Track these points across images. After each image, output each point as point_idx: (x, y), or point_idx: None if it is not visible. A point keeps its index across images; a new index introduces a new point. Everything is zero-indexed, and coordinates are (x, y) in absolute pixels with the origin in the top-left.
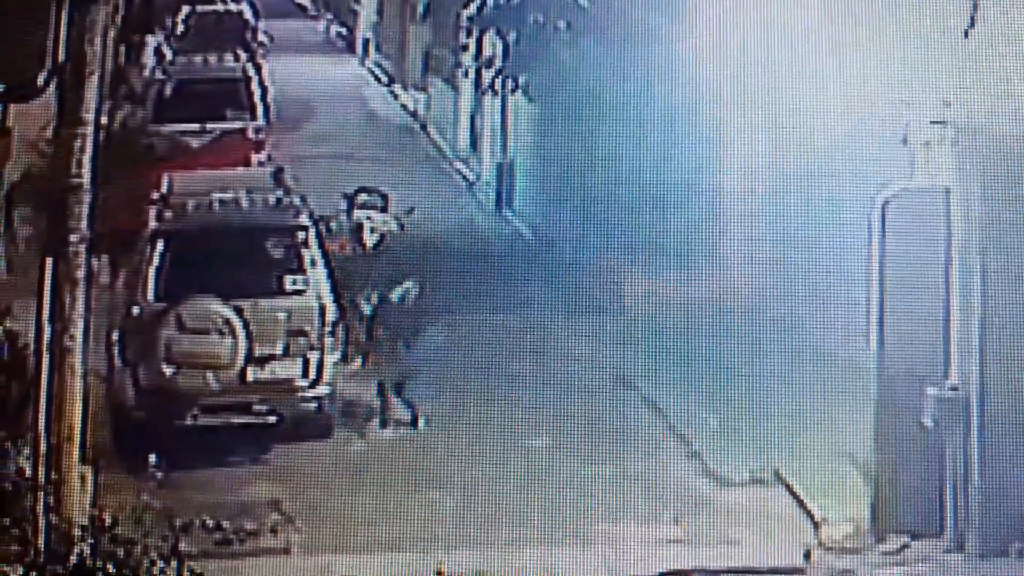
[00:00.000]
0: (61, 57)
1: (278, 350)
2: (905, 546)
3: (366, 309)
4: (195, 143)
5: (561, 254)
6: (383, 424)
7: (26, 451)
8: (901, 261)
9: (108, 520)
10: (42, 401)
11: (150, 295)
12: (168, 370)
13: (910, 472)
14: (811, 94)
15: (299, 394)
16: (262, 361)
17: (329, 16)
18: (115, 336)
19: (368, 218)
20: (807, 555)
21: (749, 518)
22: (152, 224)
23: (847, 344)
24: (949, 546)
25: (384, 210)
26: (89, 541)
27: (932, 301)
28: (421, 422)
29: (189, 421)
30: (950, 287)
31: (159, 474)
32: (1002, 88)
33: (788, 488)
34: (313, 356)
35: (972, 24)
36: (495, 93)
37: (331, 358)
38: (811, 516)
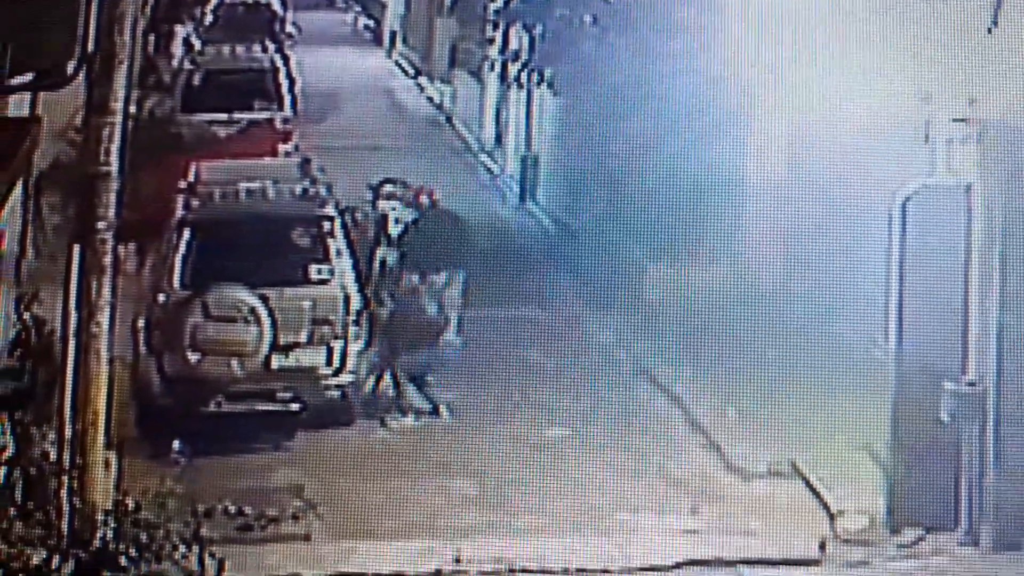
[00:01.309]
0: (91, 46)
1: (302, 338)
2: (920, 539)
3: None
4: (223, 133)
5: (583, 247)
6: (402, 413)
7: (51, 436)
8: (921, 257)
9: (131, 505)
10: (68, 387)
11: (176, 283)
12: (193, 357)
13: (926, 466)
14: (835, 90)
15: (323, 382)
16: (286, 349)
17: (357, 8)
18: (141, 323)
19: (393, 209)
20: (822, 546)
21: (766, 509)
22: (179, 212)
23: (866, 338)
24: (963, 539)
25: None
26: (112, 525)
27: (951, 297)
28: (444, 411)
29: (213, 408)
30: (969, 283)
31: (182, 460)
32: None
33: (805, 480)
34: (337, 345)
35: (995, 22)
36: (520, 86)
37: (355, 347)
38: (827, 508)
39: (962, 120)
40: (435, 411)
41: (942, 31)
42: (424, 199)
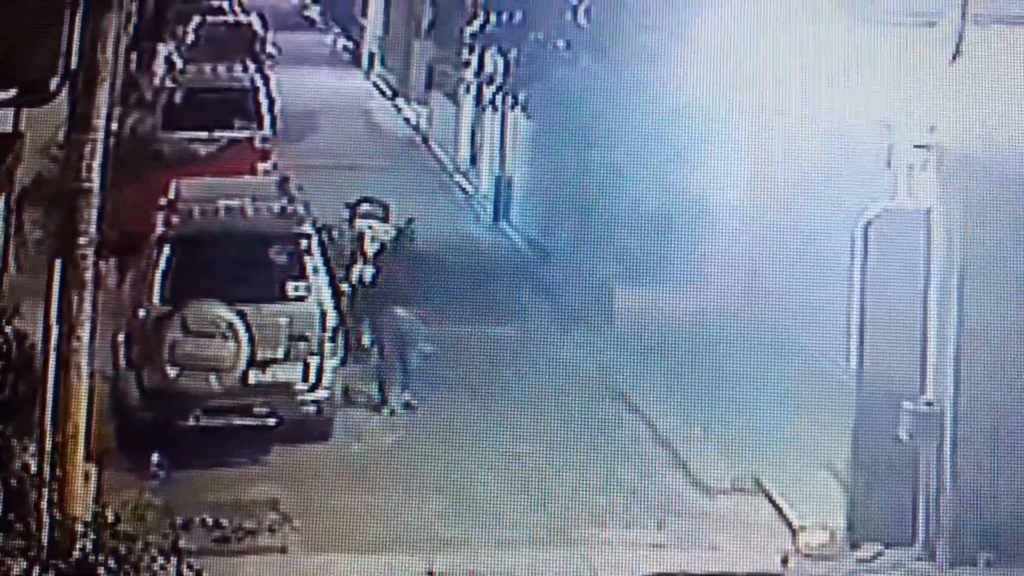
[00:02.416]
0: (74, 63)
1: (279, 354)
2: (879, 554)
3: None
4: (203, 151)
5: (555, 267)
6: (383, 405)
7: (32, 448)
8: (882, 279)
9: (110, 517)
10: (48, 400)
11: (156, 298)
12: (172, 372)
13: (885, 483)
14: (800, 117)
15: (299, 397)
16: (264, 365)
17: (336, 30)
18: (121, 338)
19: (370, 227)
20: (785, 561)
21: (730, 524)
22: (159, 229)
23: (828, 359)
24: (920, 555)
25: (385, 220)
26: (91, 537)
27: (911, 319)
28: (414, 403)
29: (191, 422)
30: (928, 305)
31: (161, 473)
32: (985, 113)
33: (768, 496)
34: (313, 361)
35: (957, 53)
36: (495, 109)
37: (331, 363)
38: (789, 523)
39: (923, 146)
40: (408, 406)
41: (905, 60)
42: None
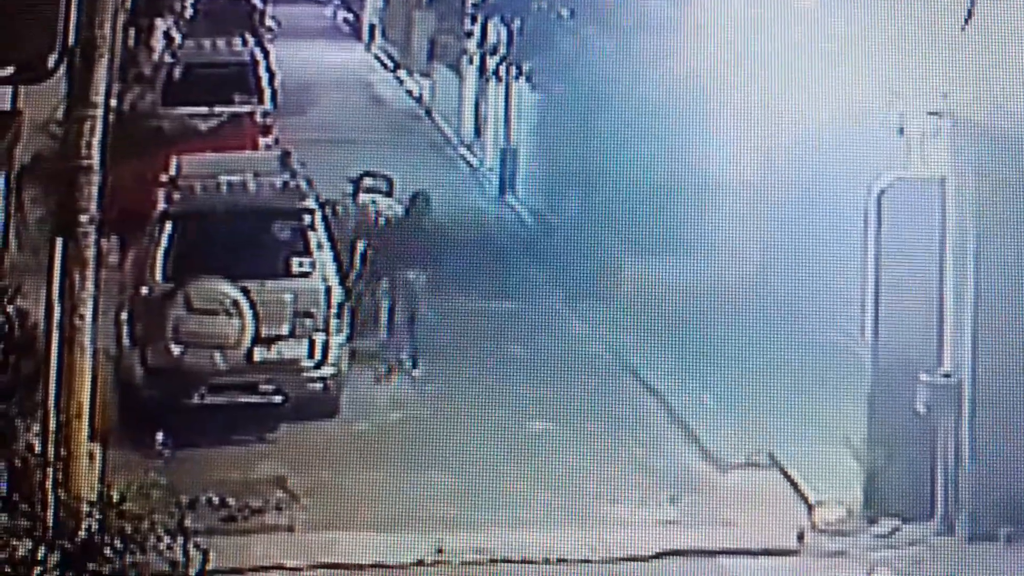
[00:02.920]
0: (71, 40)
1: (284, 331)
2: (896, 529)
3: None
4: (203, 126)
5: (562, 240)
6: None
7: (35, 428)
8: (896, 249)
9: (116, 496)
10: (52, 379)
11: (159, 276)
12: (176, 350)
13: (902, 457)
14: (809, 84)
15: (304, 374)
16: (268, 341)
17: (336, 2)
18: (124, 316)
19: (373, 202)
20: (800, 537)
21: (745, 500)
22: (161, 206)
23: (842, 330)
24: (939, 529)
25: (389, 194)
26: (97, 517)
27: (926, 289)
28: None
29: (196, 400)
30: (944, 275)
31: (166, 452)
32: (998, 80)
33: (783, 471)
34: (319, 337)
35: (969, 17)
36: (499, 80)
37: (336, 339)
38: (805, 499)
39: (935, 114)
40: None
41: (916, 25)
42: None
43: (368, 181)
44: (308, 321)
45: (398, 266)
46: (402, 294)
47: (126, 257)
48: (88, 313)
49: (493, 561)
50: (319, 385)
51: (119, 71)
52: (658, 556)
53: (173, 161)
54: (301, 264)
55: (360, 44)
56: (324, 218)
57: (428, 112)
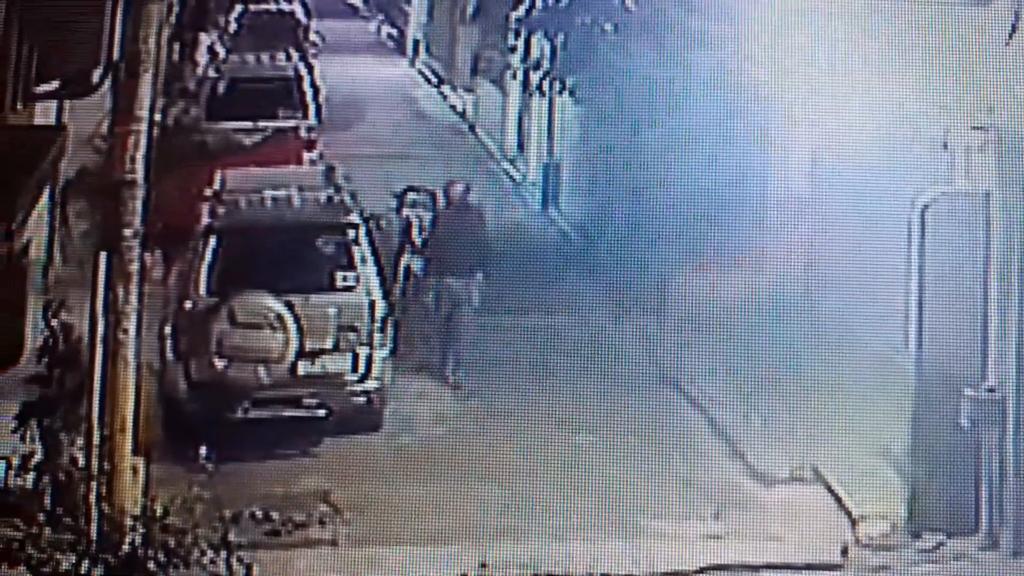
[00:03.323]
0: (116, 55)
1: (328, 345)
2: (940, 544)
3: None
4: (248, 141)
5: (606, 253)
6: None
7: (80, 442)
8: (940, 264)
9: (159, 510)
10: (96, 393)
11: (203, 290)
12: (220, 363)
13: (946, 471)
14: (855, 98)
15: (348, 388)
16: (312, 355)
17: (380, 17)
18: (167, 330)
19: (417, 217)
20: (844, 551)
21: (788, 514)
22: (205, 220)
23: (887, 345)
24: (984, 544)
25: (433, 208)
26: (140, 531)
27: (970, 304)
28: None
29: (240, 414)
30: (988, 290)
31: (209, 466)
32: None
33: (827, 485)
34: (362, 351)
35: (1014, 31)
36: (542, 94)
37: (380, 353)
38: (849, 513)
39: (980, 128)
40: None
41: (961, 39)
42: (452, 192)
43: (412, 196)
44: (352, 335)
45: (445, 274)
46: (446, 301)
47: (170, 271)
48: (132, 327)
49: (537, 575)
50: (363, 399)
51: (163, 86)
52: (702, 571)
53: (217, 175)
54: (345, 278)
55: (404, 59)
56: (368, 232)
57: (472, 127)
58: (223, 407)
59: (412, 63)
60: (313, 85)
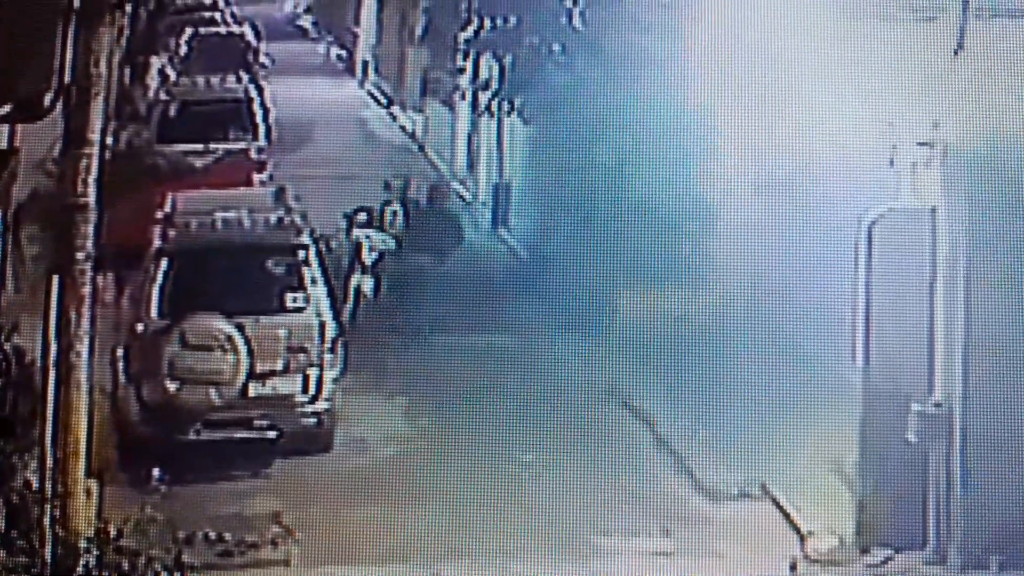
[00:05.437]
0: (67, 78)
1: (279, 366)
2: (888, 559)
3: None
4: (198, 163)
5: (555, 273)
6: None
7: (33, 464)
8: (887, 279)
9: (113, 532)
10: (49, 416)
11: (154, 312)
12: (171, 386)
13: (894, 486)
14: (801, 116)
15: (299, 409)
16: (263, 377)
17: (329, 39)
18: (120, 352)
19: (367, 237)
20: (793, 567)
21: (737, 531)
22: (156, 242)
23: (834, 361)
24: (931, 559)
25: (382, 229)
26: (94, 552)
27: (917, 319)
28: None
29: (192, 436)
30: (935, 306)
31: (162, 487)
32: (988, 110)
33: (775, 501)
34: (313, 372)
35: (960, 47)
36: (491, 115)
37: (330, 374)
38: (797, 529)
39: (926, 144)
40: None
41: (907, 55)
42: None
43: (362, 216)
44: (302, 356)
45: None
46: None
47: (122, 294)
48: (84, 350)
49: None
50: (313, 420)
51: (115, 109)
52: None
53: (168, 198)
54: (295, 299)
55: (353, 80)
56: (318, 253)
57: (421, 147)
58: (175, 429)
59: (361, 84)
60: (263, 107)
